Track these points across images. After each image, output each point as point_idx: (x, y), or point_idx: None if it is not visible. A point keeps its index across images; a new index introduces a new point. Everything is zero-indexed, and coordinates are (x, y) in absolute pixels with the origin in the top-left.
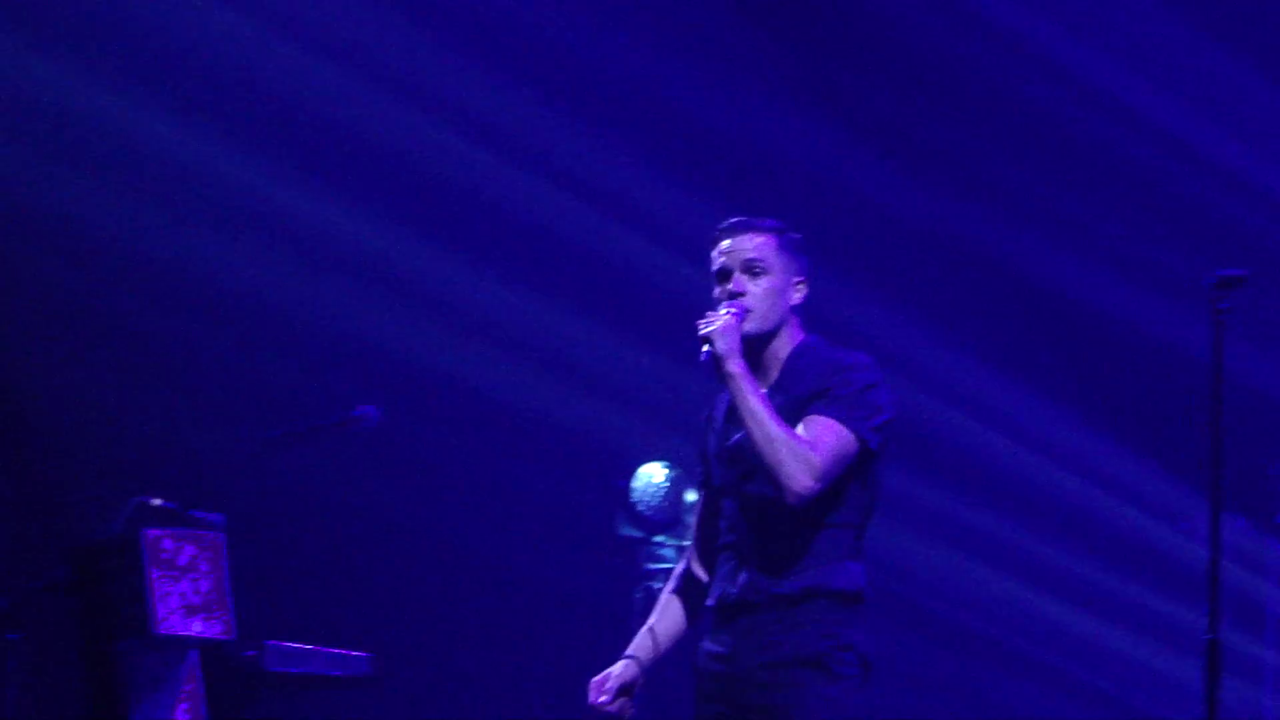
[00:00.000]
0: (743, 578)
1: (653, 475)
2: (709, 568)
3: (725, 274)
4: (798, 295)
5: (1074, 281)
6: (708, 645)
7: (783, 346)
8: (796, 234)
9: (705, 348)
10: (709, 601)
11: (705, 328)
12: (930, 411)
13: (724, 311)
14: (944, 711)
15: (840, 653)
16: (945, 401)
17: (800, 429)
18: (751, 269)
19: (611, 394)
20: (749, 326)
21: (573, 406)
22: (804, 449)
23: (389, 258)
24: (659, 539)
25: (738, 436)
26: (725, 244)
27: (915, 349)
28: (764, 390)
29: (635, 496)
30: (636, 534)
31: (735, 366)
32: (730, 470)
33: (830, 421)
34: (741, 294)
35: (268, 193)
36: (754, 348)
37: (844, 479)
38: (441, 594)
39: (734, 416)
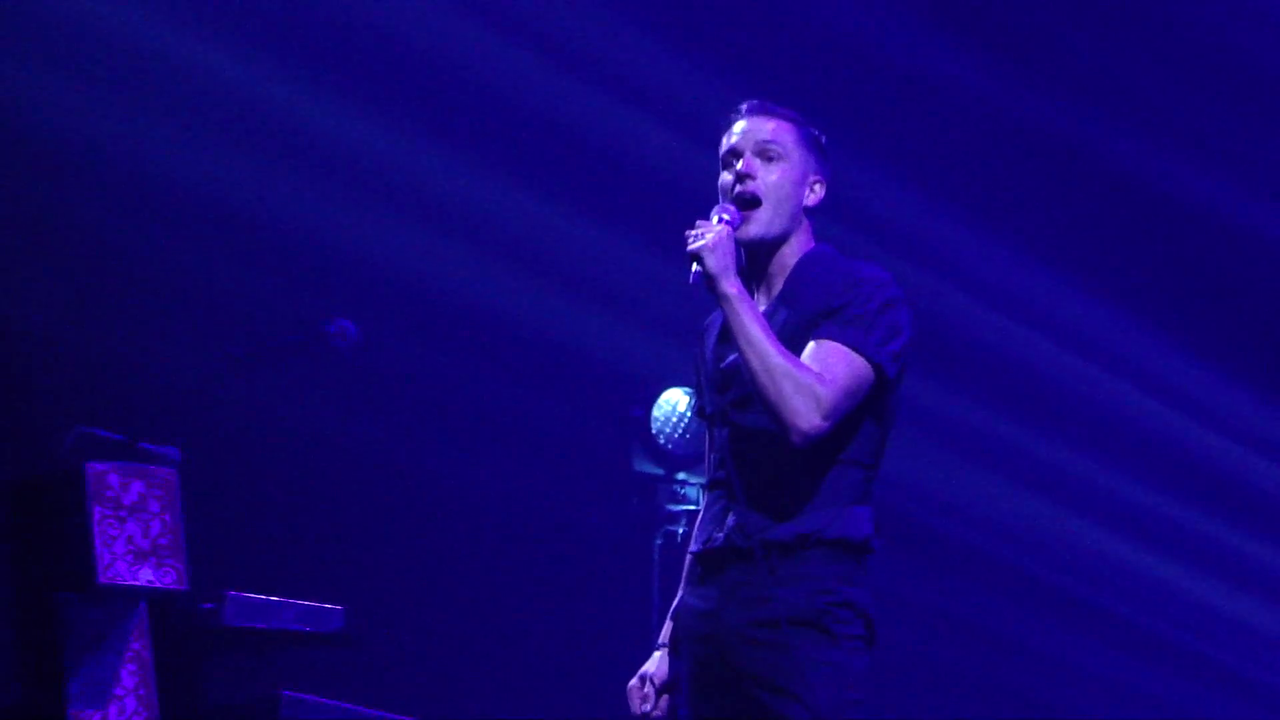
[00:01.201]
0: (731, 521)
1: (675, 403)
2: None
3: (735, 154)
4: (813, 196)
5: (1173, 182)
6: (690, 600)
7: (791, 253)
8: (820, 133)
9: (695, 266)
10: (693, 547)
11: (694, 242)
12: (997, 327)
13: (715, 220)
14: (998, 669)
15: (840, 610)
16: (1012, 317)
17: (807, 354)
18: (766, 153)
19: (628, 309)
20: (757, 222)
21: (583, 323)
22: (811, 380)
23: (371, 151)
24: (682, 476)
25: (733, 357)
26: (739, 126)
27: (982, 256)
28: (768, 304)
29: (655, 428)
30: (656, 471)
31: (730, 287)
32: (722, 396)
33: (842, 347)
34: (751, 176)
35: (227, 81)
36: (759, 252)
37: (856, 412)
38: (431, 539)
39: (729, 334)
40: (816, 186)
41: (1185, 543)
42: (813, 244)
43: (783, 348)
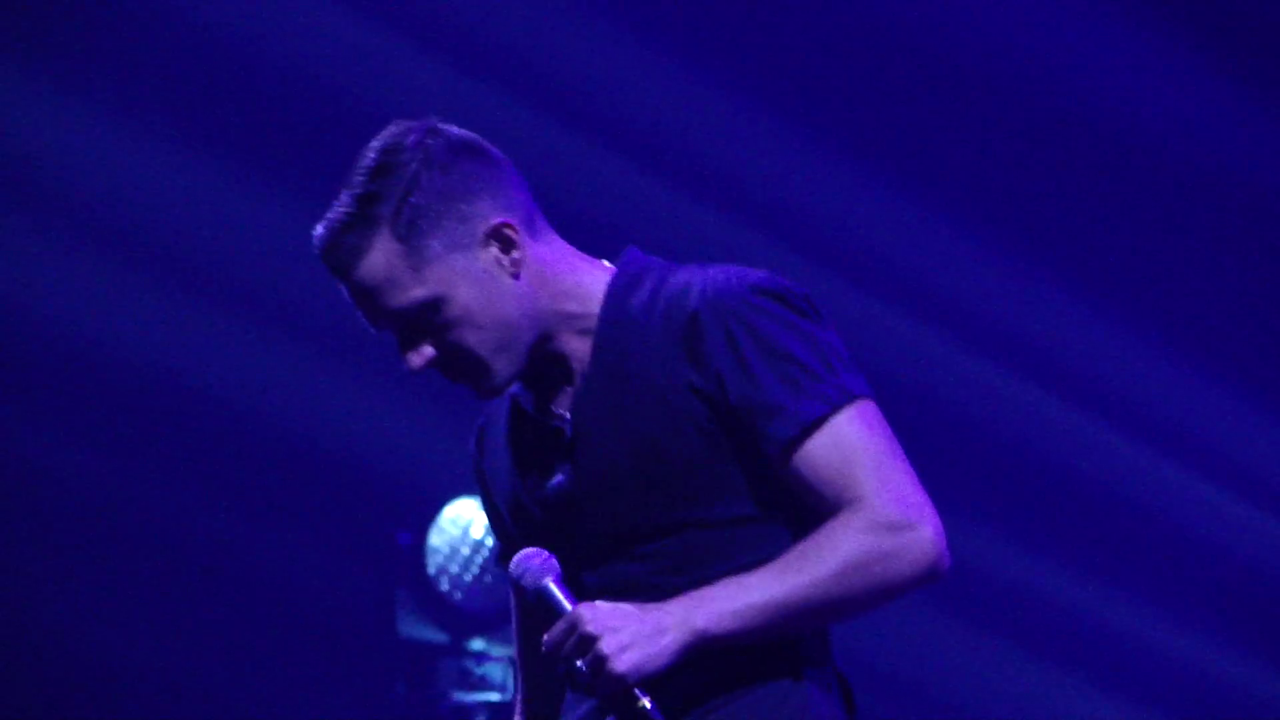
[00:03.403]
0: None
1: (467, 525)
2: (552, 705)
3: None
4: (513, 254)
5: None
6: None
7: (569, 313)
8: (420, 139)
9: (642, 701)
10: None
11: (599, 666)
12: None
13: (543, 591)
14: None
15: None
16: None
17: (808, 474)
18: (406, 315)
19: (393, 379)
20: (491, 375)
21: (321, 400)
22: (867, 519)
23: None
24: (479, 646)
25: (560, 480)
26: (348, 290)
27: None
28: (579, 380)
29: (435, 565)
30: (437, 637)
31: (693, 633)
32: (560, 539)
33: (835, 426)
34: (439, 362)
35: None
36: (532, 361)
37: (785, 507)
38: None
39: (540, 445)
40: (491, 242)
41: None
42: (595, 267)
43: (801, 551)
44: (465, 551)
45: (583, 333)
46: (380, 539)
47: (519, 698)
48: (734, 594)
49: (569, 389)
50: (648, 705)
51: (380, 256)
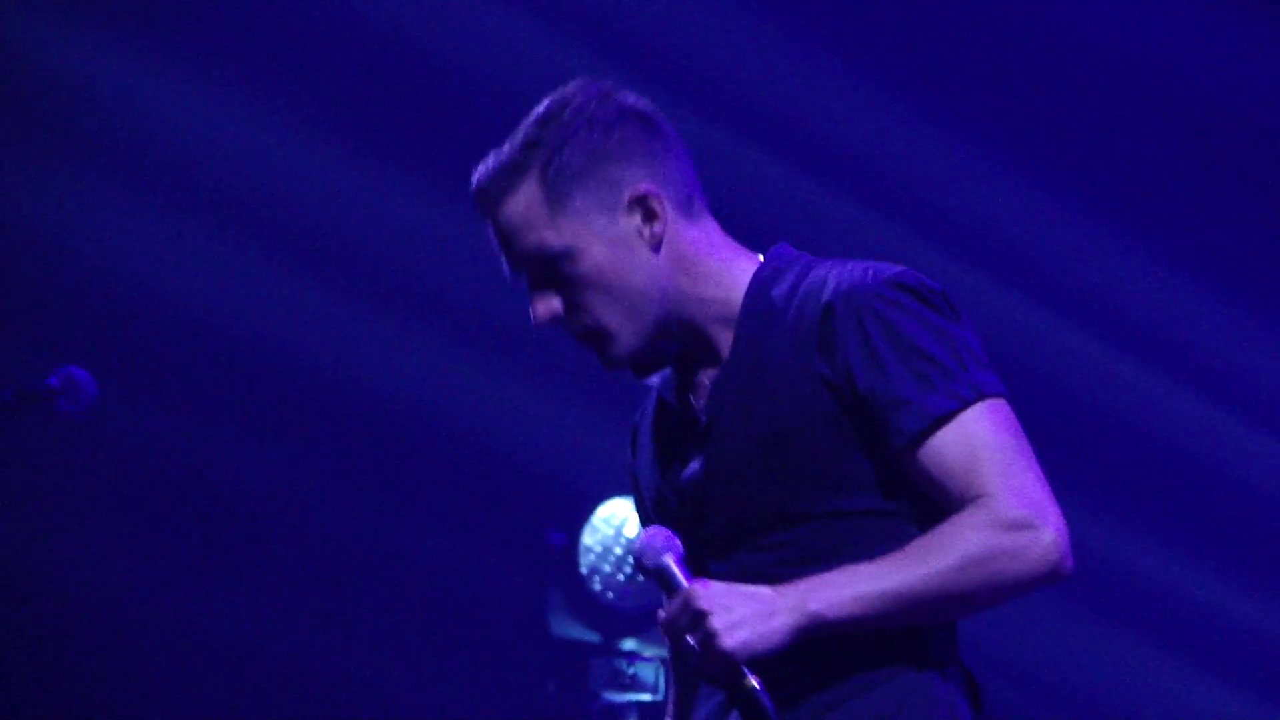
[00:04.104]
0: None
1: (620, 524)
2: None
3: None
4: (654, 225)
5: None
6: None
7: (708, 298)
8: (580, 100)
9: (749, 680)
10: None
11: (712, 646)
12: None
13: (667, 576)
14: None
15: None
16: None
17: (937, 456)
18: (543, 266)
19: (547, 378)
20: (617, 343)
21: (475, 399)
22: (987, 517)
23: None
24: (628, 645)
25: (694, 468)
26: (489, 227)
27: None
28: (718, 370)
29: (588, 565)
30: (588, 636)
31: (806, 616)
32: (691, 527)
33: (962, 423)
34: (559, 319)
35: None
36: (669, 345)
37: (912, 502)
38: None
39: (680, 435)
40: (635, 209)
41: None
42: (739, 255)
43: (922, 544)
44: (618, 551)
45: (725, 321)
46: (533, 538)
47: (670, 698)
48: (850, 581)
49: (710, 379)
50: (755, 685)
51: (522, 199)
